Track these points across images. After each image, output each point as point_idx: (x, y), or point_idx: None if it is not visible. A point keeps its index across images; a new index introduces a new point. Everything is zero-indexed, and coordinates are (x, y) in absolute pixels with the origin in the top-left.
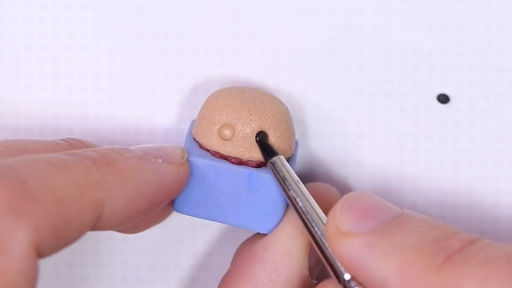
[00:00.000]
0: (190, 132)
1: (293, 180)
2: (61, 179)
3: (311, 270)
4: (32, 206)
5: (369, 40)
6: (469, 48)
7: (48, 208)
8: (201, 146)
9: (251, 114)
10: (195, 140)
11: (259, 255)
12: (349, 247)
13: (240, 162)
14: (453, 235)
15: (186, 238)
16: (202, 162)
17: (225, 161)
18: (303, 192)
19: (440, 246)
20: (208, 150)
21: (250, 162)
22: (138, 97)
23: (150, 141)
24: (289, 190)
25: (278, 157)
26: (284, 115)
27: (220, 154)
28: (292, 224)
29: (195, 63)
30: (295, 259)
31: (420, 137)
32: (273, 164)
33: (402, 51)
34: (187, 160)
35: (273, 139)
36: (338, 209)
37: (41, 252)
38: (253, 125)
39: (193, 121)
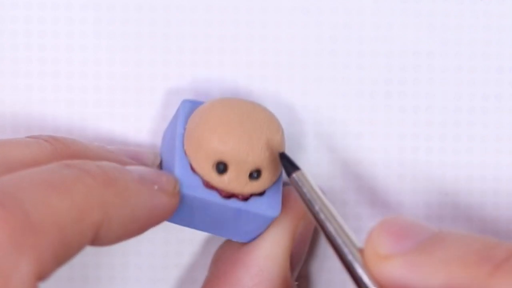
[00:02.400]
0: (180, 146)
1: (317, 197)
2: (62, 204)
3: (292, 272)
4: (34, 238)
5: (369, 40)
6: (469, 48)
7: (50, 238)
8: (192, 168)
9: (248, 156)
10: (185, 154)
11: (243, 259)
12: (391, 269)
13: (229, 196)
14: (496, 244)
15: (186, 239)
16: (192, 195)
17: (215, 192)
18: (329, 210)
19: (485, 256)
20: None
21: (240, 195)
22: (138, 97)
23: (150, 142)
24: (313, 207)
25: (301, 172)
26: (279, 149)
27: (212, 185)
28: (274, 229)
29: (195, 63)
30: (278, 262)
31: (420, 137)
32: (294, 180)
33: (402, 51)
34: (178, 192)
35: (266, 175)
36: (375, 234)
37: (41, 277)
38: (248, 166)
39: (180, 110)
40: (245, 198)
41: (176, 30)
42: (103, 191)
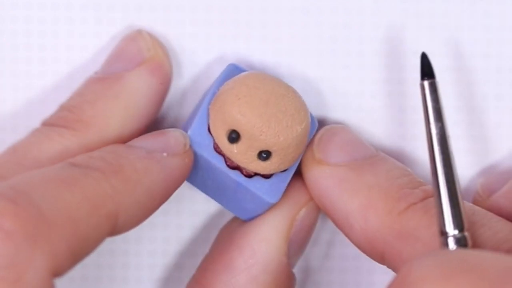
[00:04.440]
0: (207, 104)
1: (435, 111)
2: (73, 199)
3: (290, 259)
4: (48, 232)
5: (369, 40)
6: (469, 48)
7: (64, 231)
8: (209, 128)
9: (261, 135)
10: (208, 113)
11: (237, 241)
12: (319, 175)
13: (234, 167)
14: (418, 184)
15: (186, 239)
16: (199, 154)
17: (222, 159)
18: (444, 125)
19: (404, 192)
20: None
21: (244, 170)
22: None
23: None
24: (428, 121)
25: (431, 81)
26: (295, 140)
27: (221, 150)
28: (272, 213)
29: (195, 63)
30: (273, 246)
31: (420, 137)
32: (422, 86)
33: (402, 51)
34: (190, 147)
35: (275, 159)
36: (317, 138)
37: (58, 272)
38: (259, 144)
39: (224, 72)
40: (249, 175)
41: (176, 30)
42: (112, 181)
